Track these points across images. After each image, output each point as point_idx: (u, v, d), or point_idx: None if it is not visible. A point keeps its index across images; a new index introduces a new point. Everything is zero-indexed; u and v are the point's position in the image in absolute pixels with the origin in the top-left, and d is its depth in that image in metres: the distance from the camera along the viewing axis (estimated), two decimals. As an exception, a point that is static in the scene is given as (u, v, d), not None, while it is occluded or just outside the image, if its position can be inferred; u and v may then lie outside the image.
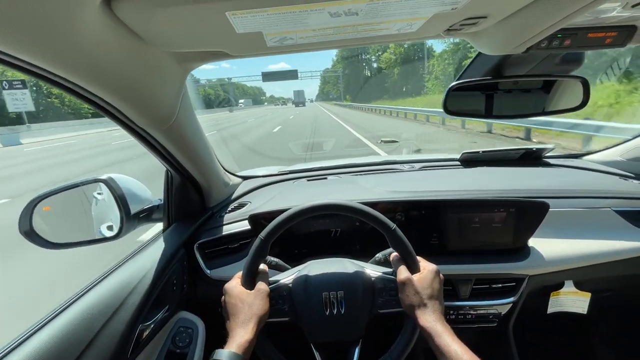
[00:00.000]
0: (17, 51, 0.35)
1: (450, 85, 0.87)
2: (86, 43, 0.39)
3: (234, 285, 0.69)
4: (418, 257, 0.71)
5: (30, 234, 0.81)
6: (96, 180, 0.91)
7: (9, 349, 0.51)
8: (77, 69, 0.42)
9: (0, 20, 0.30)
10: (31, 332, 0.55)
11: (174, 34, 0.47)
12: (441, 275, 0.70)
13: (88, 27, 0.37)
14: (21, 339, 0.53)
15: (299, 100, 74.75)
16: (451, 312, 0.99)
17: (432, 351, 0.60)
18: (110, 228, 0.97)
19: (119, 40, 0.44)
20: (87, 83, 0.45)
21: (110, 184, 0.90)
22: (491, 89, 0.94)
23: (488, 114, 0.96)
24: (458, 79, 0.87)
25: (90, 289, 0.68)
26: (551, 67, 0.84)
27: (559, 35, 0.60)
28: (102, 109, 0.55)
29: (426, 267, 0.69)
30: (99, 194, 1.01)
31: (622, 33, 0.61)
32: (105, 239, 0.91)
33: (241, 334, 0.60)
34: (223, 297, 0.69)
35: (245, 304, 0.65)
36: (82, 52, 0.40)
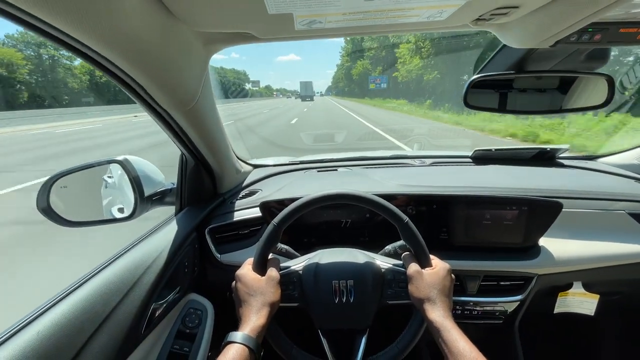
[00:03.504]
0: (52, 19, 0.35)
1: (470, 79, 0.85)
2: (123, 19, 0.39)
3: (246, 271, 0.69)
4: (431, 255, 0.71)
5: (47, 211, 0.82)
6: (112, 161, 0.92)
7: (31, 317, 0.52)
8: (111, 43, 0.42)
9: None
10: (52, 303, 0.56)
11: (208, 13, 0.47)
12: (452, 275, 0.70)
13: (127, 4, 0.37)
14: (42, 310, 0.54)
15: (306, 93, 64.93)
16: (458, 307, 0.99)
17: (436, 345, 0.60)
18: (120, 210, 0.98)
19: (153, 17, 0.44)
20: (119, 58, 0.46)
21: (125, 165, 0.90)
22: (507, 87, 0.92)
23: (502, 109, 0.96)
24: (479, 73, 0.86)
25: (108, 265, 0.69)
26: (574, 64, 0.83)
27: (589, 30, 0.59)
28: (128, 87, 0.55)
29: (438, 264, 0.70)
30: (109, 177, 1.02)
31: (654, 29, 0.60)
32: (119, 220, 0.92)
33: (254, 320, 0.61)
34: (234, 283, 0.70)
35: (258, 291, 0.65)
36: (118, 27, 0.40)
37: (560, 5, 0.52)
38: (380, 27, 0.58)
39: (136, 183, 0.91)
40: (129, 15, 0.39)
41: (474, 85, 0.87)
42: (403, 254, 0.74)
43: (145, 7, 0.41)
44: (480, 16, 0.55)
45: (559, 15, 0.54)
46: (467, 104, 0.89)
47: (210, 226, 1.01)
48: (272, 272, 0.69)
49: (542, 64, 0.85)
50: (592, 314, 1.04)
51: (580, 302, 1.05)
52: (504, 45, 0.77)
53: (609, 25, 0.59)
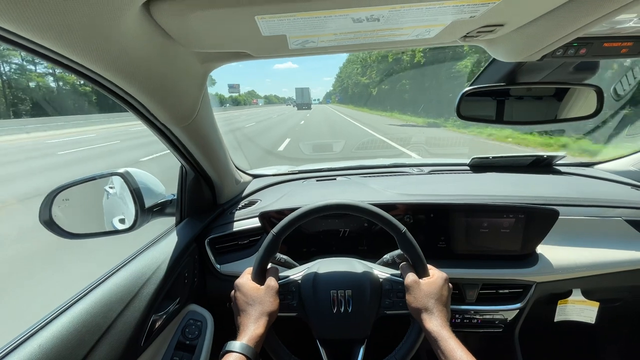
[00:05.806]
0: (54, 45, 0.37)
1: (463, 91, 0.87)
2: (121, 42, 0.41)
3: (245, 281, 0.70)
4: (428, 265, 0.72)
5: (50, 224, 0.83)
6: (113, 174, 0.94)
7: (33, 330, 0.53)
8: (110, 65, 0.44)
9: (42, 12, 0.32)
10: (53, 316, 0.57)
11: (203, 35, 0.49)
12: (450, 284, 0.70)
13: (125, 28, 0.39)
14: (44, 323, 0.55)
15: (303, 101, 61.70)
16: (457, 316, 0.99)
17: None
18: (122, 221, 0.99)
19: (151, 39, 0.46)
20: (118, 79, 0.48)
21: (126, 177, 0.92)
22: (503, 95, 0.94)
23: (499, 120, 0.97)
24: (471, 85, 0.88)
25: (107, 278, 0.70)
26: (565, 75, 0.85)
27: (574, 44, 0.61)
28: (128, 105, 0.57)
29: (436, 273, 0.70)
30: (110, 187, 1.03)
31: (638, 43, 0.62)
32: (120, 231, 0.94)
33: (252, 329, 0.62)
34: (233, 292, 0.70)
35: (257, 301, 0.66)
36: (116, 49, 0.42)
37: (545, 22, 0.54)
38: (373, 45, 0.60)
39: (137, 195, 0.92)
40: (127, 38, 0.41)
41: (467, 96, 0.89)
42: (401, 264, 0.75)
43: (144, 31, 0.43)
44: (467, 33, 0.57)
45: (544, 31, 0.56)
46: (461, 115, 0.91)
47: (210, 237, 1.02)
48: (271, 282, 0.69)
49: (534, 75, 0.87)
50: (593, 322, 1.04)
51: (580, 309, 1.04)
52: (495, 58, 0.79)
53: (594, 40, 0.61)
